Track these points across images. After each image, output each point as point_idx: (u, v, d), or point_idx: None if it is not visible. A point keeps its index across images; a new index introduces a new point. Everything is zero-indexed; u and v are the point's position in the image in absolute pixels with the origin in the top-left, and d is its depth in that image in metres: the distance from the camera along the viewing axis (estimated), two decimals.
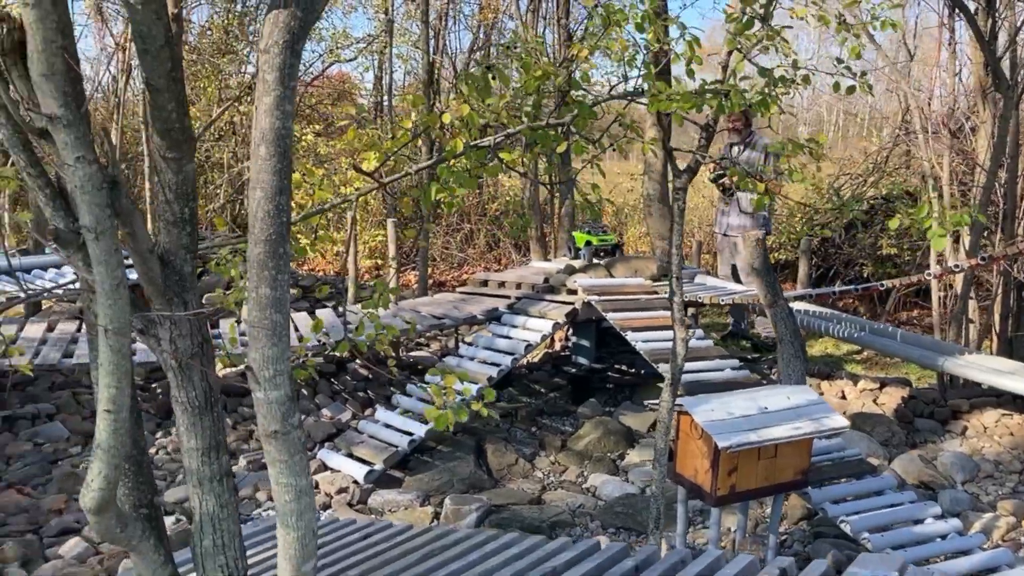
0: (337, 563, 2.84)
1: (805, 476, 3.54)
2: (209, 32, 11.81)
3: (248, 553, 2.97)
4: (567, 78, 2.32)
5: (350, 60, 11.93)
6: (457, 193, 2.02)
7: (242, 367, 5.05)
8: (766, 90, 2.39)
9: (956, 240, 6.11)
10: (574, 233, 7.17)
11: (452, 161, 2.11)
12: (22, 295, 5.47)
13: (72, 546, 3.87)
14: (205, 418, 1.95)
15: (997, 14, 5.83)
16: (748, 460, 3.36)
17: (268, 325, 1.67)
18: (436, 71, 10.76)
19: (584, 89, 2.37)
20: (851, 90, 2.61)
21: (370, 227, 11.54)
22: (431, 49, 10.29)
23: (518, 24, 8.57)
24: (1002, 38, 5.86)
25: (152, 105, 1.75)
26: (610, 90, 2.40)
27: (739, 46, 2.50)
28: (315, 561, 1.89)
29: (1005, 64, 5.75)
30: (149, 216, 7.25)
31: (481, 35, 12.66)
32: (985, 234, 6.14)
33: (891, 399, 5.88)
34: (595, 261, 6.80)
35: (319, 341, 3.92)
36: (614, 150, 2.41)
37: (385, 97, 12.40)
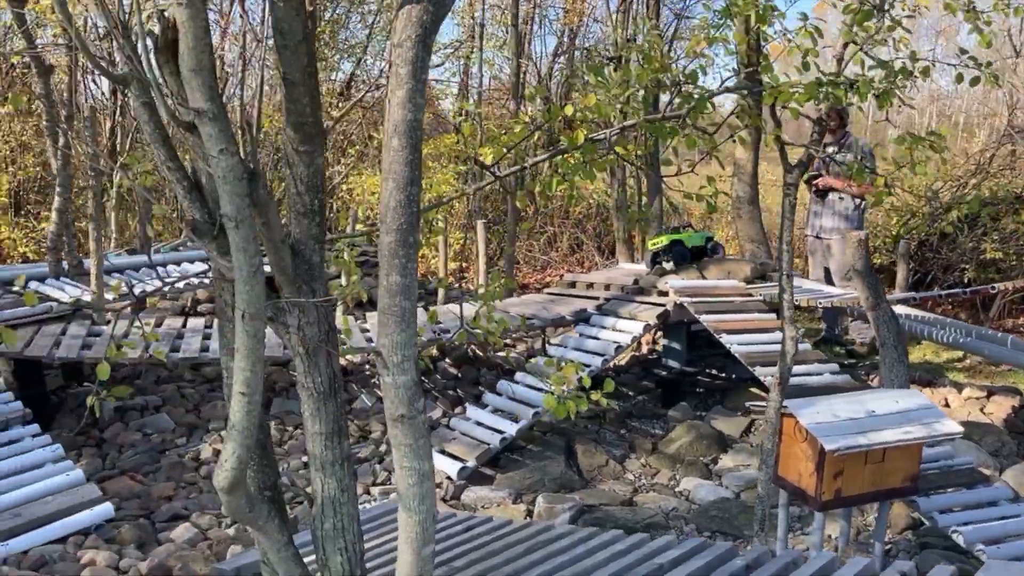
0: (442, 553, 2.88)
1: (915, 483, 3.42)
2: None
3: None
4: (680, 72, 2.31)
5: (438, 66, 12.10)
6: (578, 184, 2.04)
7: (345, 359, 5.15)
8: (886, 81, 2.33)
9: None
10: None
11: (568, 155, 2.12)
12: (143, 289, 5.74)
13: (183, 531, 4.03)
14: (329, 403, 2.01)
15: None
16: (855, 464, 3.27)
17: (397, 312, 1.71)
18: (522, 74, 10.82)
19: (698, 84, 2.35)
20: (975, 82, 2.51)
21: (454, 230, 11.66)
22: (518, 53, 10.36)
23: (613, 23, 8.54)
24: None
25: (287, 99, 1.82)
26: (722, 83, 2.38)
27: (855, 38, 2.44)
28: (433, 546, 1.93)
29: None
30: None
31: (566, 39, 12.69)
32: None
33: (1000, 408, 5.63)
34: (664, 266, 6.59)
35: (435, 333, 3.98)
36: (733, 141, 2.38)
37: (473, 101, 12.53)
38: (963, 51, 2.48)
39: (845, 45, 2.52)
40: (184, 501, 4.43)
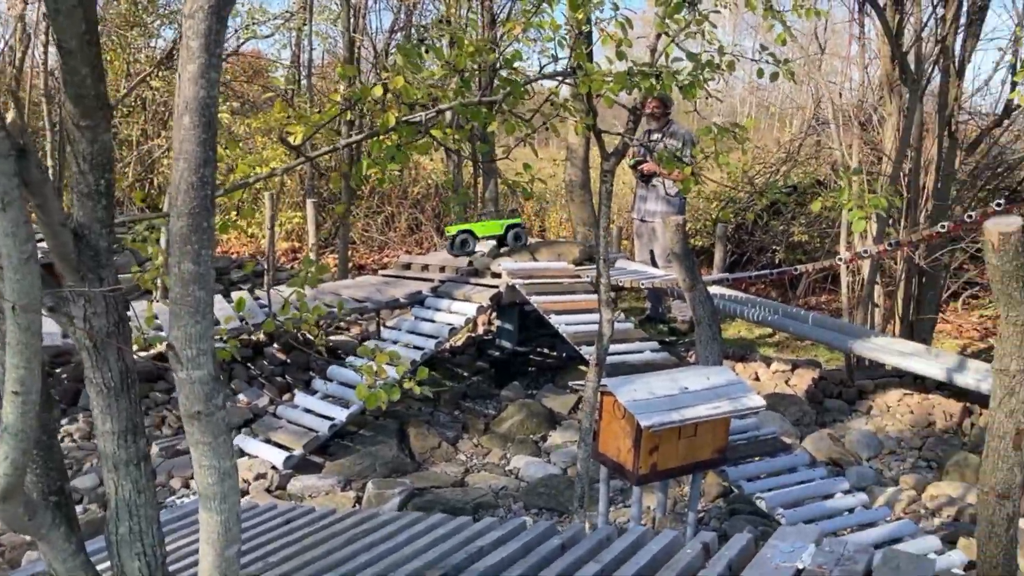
0: (258, 548, 2.77)
1: (723, 454, 3.63)
2: (116, 3, 11.30)
3: (165, 540, 2.87)
4: (498, 57, 2.30)
5: (267, 37, 11.59)
6: (389, 168, 1.98)
7: (155, 351, 4.88)
8: (694, 74, 2.42)
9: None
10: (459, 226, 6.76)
11: (383, 136, 2.06)
12: None
13: None
14: (121, 400, 1.87)
15: (904, 9, 6.07)
16: (669, 439, 3.43)
17: (191, 302, 1.60)
18: (356, 50, 10.55)
19: (514, 68, 2.36)
20: (775, 77, 2.67)
21: (287, 208, 11.28)
22: (351, 27, 10.09)
23: (442, 3, 8.48)
24: (908, 33, 6.11)
25: (65, 69, 1.65)
26: (540, 69, 2.40)
27: (667, 30, 2.52)
28: (239, 546, 1.84)
29: (911, 59, 5.99)
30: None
31: (403, 15, 12.47)
32: (890, 223, 6.41)
33: (802, 380, 6.09)
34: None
35: (242, 320, 3.79)
36: (546, 129, 2.40)
37: (303, 75, 12.10)
38: (764, 47, 2.63)
39: (658, 36, 2.61)
40: None
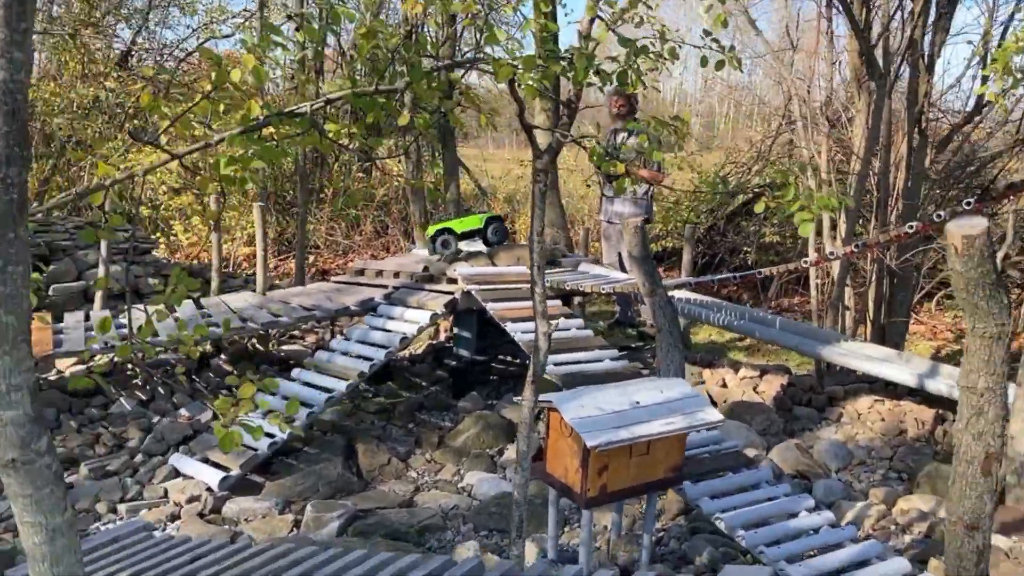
0: None
1: (678, 472, 3.40)
2: (70, 3, 10.95)
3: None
4: (407, 40, 2.05)
5: (226, 37, 11.28)
6: (255, 166, 1.72)
7: (86, 365, 4.52)
8: (629, 62, 2.19)
9: (833, 228, 6.17)
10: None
11: (271, 131, 1.81)
12: None
13: None
14: None
15: (872, 3, 5.87)
16: (619, 458, 3.19)
17: None
18: (320, 51, 10.25)
19: (429, 54, 2.11)
20: (720, 65, 2.44)
21: (248, 212, 10.96)
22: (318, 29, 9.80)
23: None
24: (876, 28, 5.91)
25: None
26: (462, 57, 2.14)
27: (600, 13, 2.29)
28: None
29: (879, 53, 5.80)
30: None
31: (368, 18, 12.18)
32: (860, 222, 6.21)
33: (771, 387, 5.87)
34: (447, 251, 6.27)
35: (105, 343, 3.49)
36: (446, 121, 2.16)
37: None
38: (707, 33, 2.40)
39: (591, 21, 2.37)
40: None
